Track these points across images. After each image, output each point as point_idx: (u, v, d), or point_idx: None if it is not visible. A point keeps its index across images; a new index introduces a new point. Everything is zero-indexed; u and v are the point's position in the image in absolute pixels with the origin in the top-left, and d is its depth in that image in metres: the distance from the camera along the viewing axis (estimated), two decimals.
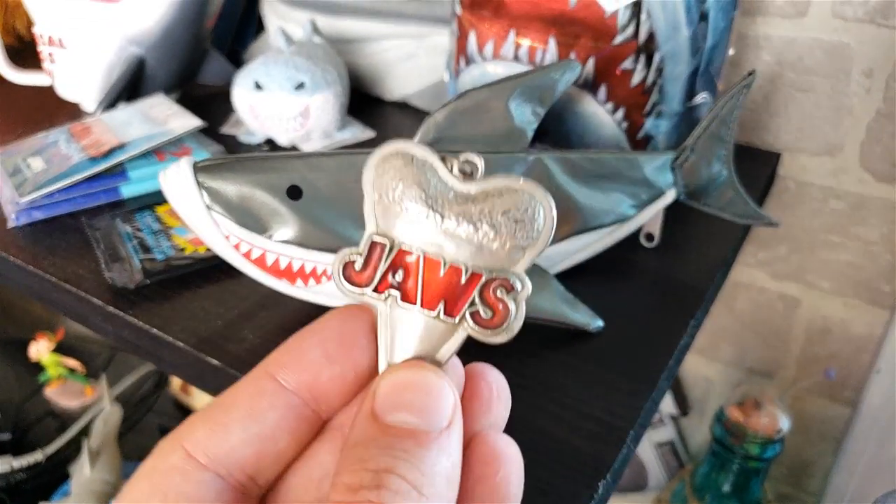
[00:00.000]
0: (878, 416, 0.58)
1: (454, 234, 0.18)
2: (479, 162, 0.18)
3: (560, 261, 0.37)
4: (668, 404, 0.72)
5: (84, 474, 0.79)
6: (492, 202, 0.18)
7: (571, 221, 0.36)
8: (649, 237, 0.41)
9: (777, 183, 0.58)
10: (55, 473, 0.85)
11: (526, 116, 0.35)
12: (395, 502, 0.15)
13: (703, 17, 0.42)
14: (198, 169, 0.29)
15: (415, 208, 0.18)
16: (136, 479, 0.17)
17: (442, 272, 0.18)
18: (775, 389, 0.62)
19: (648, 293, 0.38)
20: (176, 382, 1.01)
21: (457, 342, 0.18)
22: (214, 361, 0.32)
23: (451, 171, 0.18)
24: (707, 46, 0.43)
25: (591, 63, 0.41)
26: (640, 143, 0.44)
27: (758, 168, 0.54)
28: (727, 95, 0.38)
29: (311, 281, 0.31)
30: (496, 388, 0.19)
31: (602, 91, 0.42)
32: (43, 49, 0.55)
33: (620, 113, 0.43)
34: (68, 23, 0.53)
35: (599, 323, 0.34)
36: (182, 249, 0.38)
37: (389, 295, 0.18)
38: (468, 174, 0.18)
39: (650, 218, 0.39)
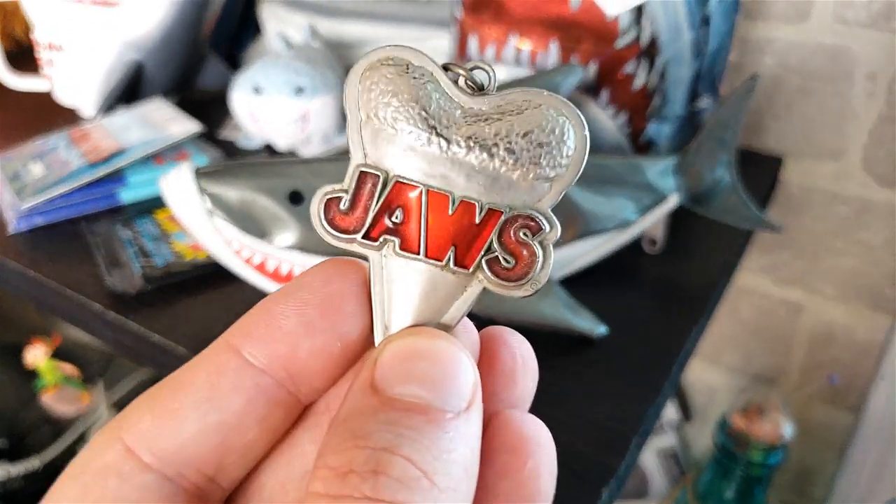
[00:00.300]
0: (881, 423, 0.58)
1: (464, 162, 0.14)
2: (491, 71, 0.14)
3: (563, 266, 0.36)
4: (670, 411, 0.72)
5: None
6: (509, 121, 0.14)
7: (574, 226, 0.35)
8: (653, 242, 0.41)
9: (780, 187, 0.58)
10: (52, 480, 0.85)
11: None
12: (398, 494, 0.11)
13: (705, 20, 0.42)
14: (199, 174, 0.29)
15: (413, 131, 0.14)
16: (63, 480, 0.14)
17: (451, 210, 0.14)
18: (779, 396, 0.62)
19: (652, 299, 0.38)
20: None
21: (470, 299, 0.14)
22: None
23: (456, 83, 0.14)
24: (709, 50, 0.43)
25: (592, 67, 0.41)
26: (643, 147, 0.44)
27: (761, 172, 0.54)
28: (730, 100, 0.38)
29: None
30: (520, 355, 0.15)
31: (604, 95, 0.42)
32: (42, 54, 0.55)
33: (623, 117, 0.42)
34: (67, 28, 0.53)
35: (603, 329, 0.33)
36: (182, 255, 0.38)
37: (385, 241, 0.14)
38: (478, 87, 0.14)
39: (653, 223, 0.38)
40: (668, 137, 0.44)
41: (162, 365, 0.35)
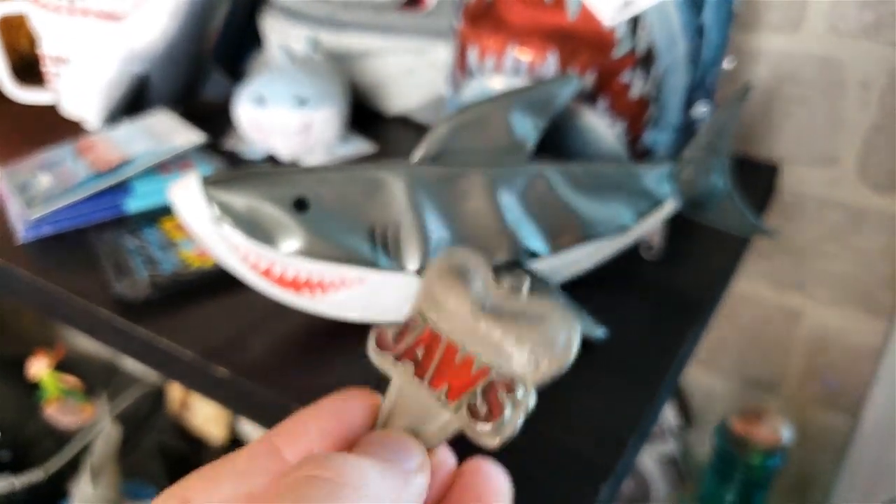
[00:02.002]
0: (879, 426, 0.58)
1: (483, 334, 0.20)
2: (526, 282, 0.20)
3: (562, 270, 0.37)
4: (670, 417, 0.72)
5: (85, 492, 0.79)
6: (526, 320, 0.19)
7: (573, 232, 0.36)
8: (650, 248, 0.41)
9: (775, 194, 0.59)
10: (56, 492, 0.85)
11: (527, 130, 0.36)
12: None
13: (700, 31, 0.43)
14: (207, 183, 0.30)
15: (456, 304, 0.20)
16: None
17: (458, 359, 0.20)
18: (777, 400, 0.62)
19: (651, 304, 0.38)
20: (175, 401, 1.01)
21: (448, 428, 0.19)
22: (222, 371, 0.32)
23: (498, 283, 0.20)
24: (704, 60, 0.44)
25: (590, 76, 0.42)
26: (640, 155, 0.45)
27: (756, 180, 0.54)
28: (723, 108, 0.39)
29: (318, 291, 0.32)
30: (494, 486, 0.19)
31: (601, 104, 0.43)
32: (48, 67, 0.56)
33: (620, 126, 0.43)
34: (73, 41, 0.54)
35: (602, 332, 0.34)
36: (188, 263, 0.38)
37: (405, 364, 0.20)
38: (514, 288, 0.20)
39: (650, 228, 0.39)
40: (664, 145, 0.45)
41: (170, 370, 0.35)
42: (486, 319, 0.20)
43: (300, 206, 0.31)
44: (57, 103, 0.58)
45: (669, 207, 0.39)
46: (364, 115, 0.60)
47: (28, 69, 0.66)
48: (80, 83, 0.55)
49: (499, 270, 0.22)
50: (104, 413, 0.90)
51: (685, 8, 0.42)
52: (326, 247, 0.31)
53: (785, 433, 0.60)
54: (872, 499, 0.59)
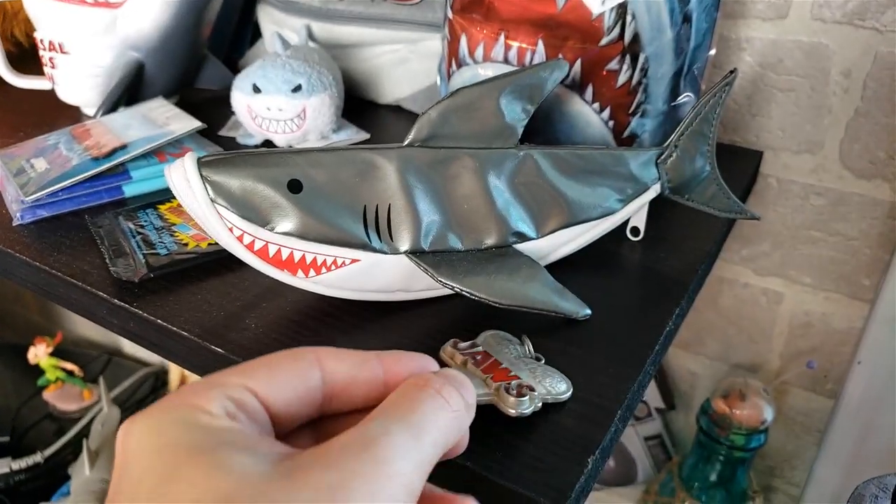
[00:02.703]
0: (859, 408, 0.60)
1: (516, 362, 0.31)
2: (543, 360, 0.32)
3: (550, 253, 0.38)
4: (655, 398, 0.74)
5: (83, 475, 0.80)
6: (542, 374, 0.30)
7: (561, 215, 0.37)
8: (635, 231, 0.43)
9: (759, 180, 0.60)
10: (54, 475, 0.86)
11: (516, 113, 0.37)
12: (442, 397, 0.21)
13: (687, 19, 0.44)
14: (202, 164, 0.31)
15: (501, 353, 0.31)
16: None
17: (500, 367, 0.30)
18: (760, 382, 0.64)
19: (634, 284, 0.39)
20: (174, 383, 1.02)
21: (484, 398, 0.28)
22: (218, 350, 0.33)
23: (528, 351, 0.32)
24: (690, 48, 0.45)
25: (578, 64, 0.43)
26: (626, 141, 0.46)
27: (741, 166, 0.56)
28: (709, 94, 0.40)
29: (312, 271, 0.33)
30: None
31: (589, 91, 0.44)
32: (44, 54, 0.56)
33: (606, 112, 0.44)
34: (69, 28, 0.54)
35: (587, 311, 0.35)
36: (185, 244, 0.39)
37: (467, 359, 0.31)
38: (538, 357, 0.32)
39: (635, 212, 0.40)
40: (650, 132, 0.46)
41: (166, 351, 0.36)
42: (519, 362, 0.31)
43: (294, 187, 0.31)
44: (53, 89, 0.58)
45: (655, 191, 0.40)
46: (357, 103, 0.61)
47: (23, 57, 0.67)
48: (77, 70, 0.56)
49: (524, 342, 0.32)
50: (103, 397, 0.91)
51: None
52: (320, 227, 0.32)
53: (767, 413, 0.61)
54: (852, 479, 0.60)
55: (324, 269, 0.33)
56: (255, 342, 0.33)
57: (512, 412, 0.28)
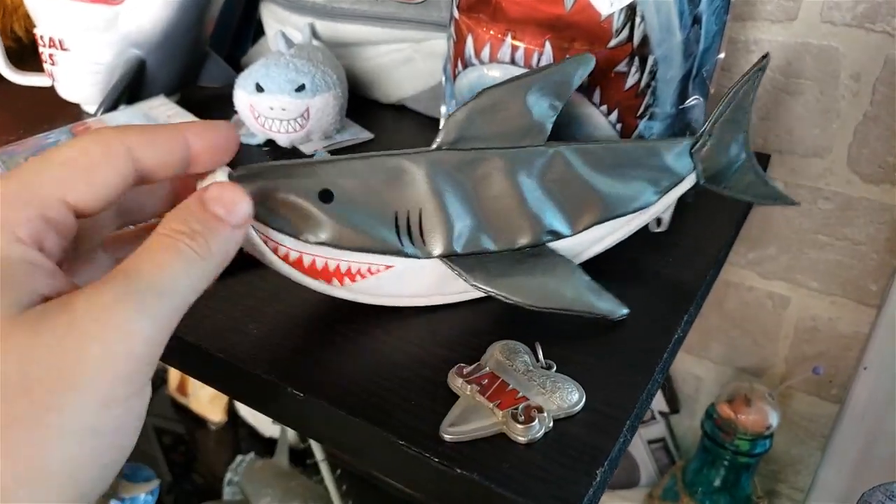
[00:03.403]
0: (864, 413, 0.60)
1: (524, 382, 0.30)
2: (554, 366, 0.32)
3: (583, 250, 0.38)
4: (659, 402, 0.73)
5: None
6: (552, 386, 0.30)
7: (594, 211, 0.37)
8: (658, 222, 0.42)
9: None
10: None
11: (544, 111, 0.36)
12: (190, 248, 0.22)
13: (696, 21, 0.43)
14: (233, 178, 0.29)
15: (511, 365, 0.31)
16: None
17: (508, 389, 0.30)
18: (765, 386, 0.63)
19: (642, 290, 0.39)
20: (172, 383, 1.02)
21: (494, 427, 0.29)
22: (219, 356, 0.32)
23: (537, 358, 0.32)
24: (699, 51, 0.44)
25: None
26: None
27: None
28: (742, 80, 0.39)
29: (347, 280, 0.32)
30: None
31: (597, 93, 0.43)
32: (43, 51, 0.56)
33: (615, 115, 0.44)
34: (69, 24, 0.53)
35: (625, 311, 0.35)
36: None
37: (472, 385, 0.30)
38: (549, 365, 0.32)
39: (671, 204, 0.40)
40: (658, 134, 0.45)
41: (166, 354, 0.36)
42: (528, 376, 0.30)
43: (325, 197, 0.31)
44: (53, 86, 0.58)
45: (690, 182, 0.39)
46: (361, 102, 0.61)
47: (22, 53, 0.66)
48: (77, 67, 0.55)
49: (535, 352, 0.32)
50: None
51: None
52: (353, 236, 0.32)
53: (772, 418, 0.61)
54: (857, 485, 0.60)
55: (359, 277, 0.32)
56: (256, 347, 0.33)
57: (522, 440, 0.28)
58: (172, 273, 0.22)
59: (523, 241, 0.35)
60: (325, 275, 0.32)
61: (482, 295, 0.34)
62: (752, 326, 0.66)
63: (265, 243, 0.31)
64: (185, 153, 0.25)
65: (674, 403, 0.74)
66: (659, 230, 0.42)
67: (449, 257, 0.33)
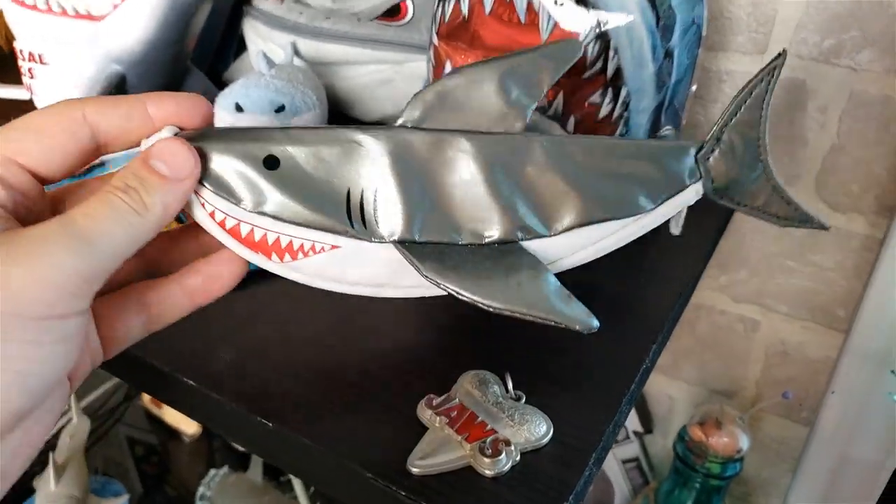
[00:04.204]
0: (833, 438, 0.61)
1: (495, 414, 0.31)
2: (523, 398, 0.33)
3: (566, 256, 0.34)
4: (633, 421, 0.74)
5: (49, 489, 0.78)
6: (521, 419, 0.31)
7: (576, 211, 0.32)
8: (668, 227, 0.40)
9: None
10: (20, 488, 0.84)
11: (522, 96, 0.32)
12: (124, 202, 0.24)
13: (668, 55, 0.44)
14: (178, 136, 0.27)
15: (480, 397, 0.32)
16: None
17: (476, 422, 0.31)
18: (736, 409, 0.64)
19: (612, 317, 0.38)
20: (146, 395, 1.01)
21: (461, 460, 0.29)
22: (190, 382, 0.32)
23: (507, 389, 0.33)
24: (671, 83, 0.45)
25: (560, 95, 0.43)
26: None
27: None
28: (756, 79, 0.34)
29: (288, 256, 0.30)
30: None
31: (571, 122, 0.44)
32: (23, 64, 0.55)
33: None
34: (49, 39, 0.53)
35: (595, 323, 0.30)
36: None
37: (441, 418, 0.31)
38: (518, 396, 0.32)
39: (671, 214, 0.35)
40: None
41: (139, 380, 0.36)
42: (498, 407, 0.31)
43: (270, 163, 0.28)
44: (33, 100, 0.57)
45: (696, 192, 0.34)
46: (341, 121, 0.61)
47: (3, 63, 0.66)
48: (58, 82, 0.55)
49: (505, 383, 0.33)
50: (72, 406, 0.89)
51: (654, 32, 0.43)
52: (296, 208, 0.29)
53: (742, 441, 0.62)
54: None
55: (300, 255, 0.30)
56: (227, 374, 0.33)
57: (488, 473, 0.28)
58: (103, 224, 0.23)
59: (493, 234, 0.31)
60: (264, 248, 0.29)
61: (442, 293, 0.31)
62: (724, 349, 0.67)
63: (203, 206, 0.28)
64: (144, 120, 0.26)
65: (647, 423, 0.74)
66: (676, 234, 0.41)
67: (405, 243, 0.30)
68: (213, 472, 0.92)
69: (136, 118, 0.26)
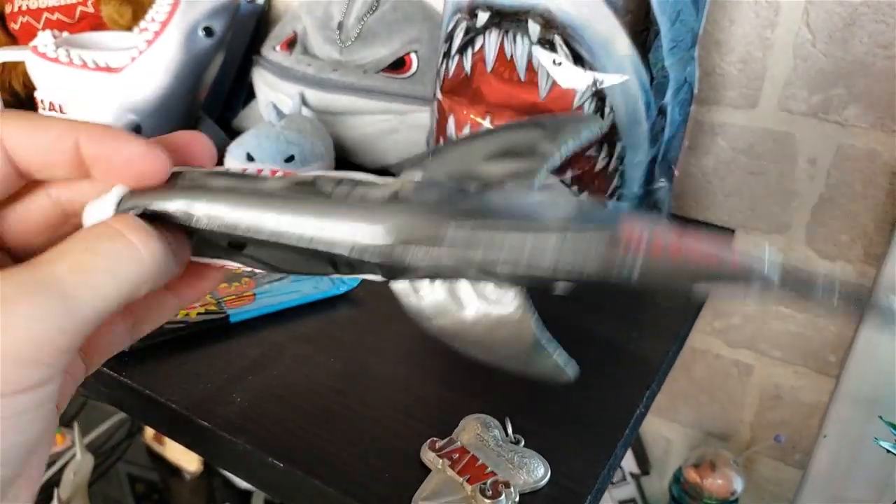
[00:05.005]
0: (826, 481, 0.62)
1: (496, 458, 0.32)
2: (522, 441, 0.34)
3: None
4: (630, 463, 0.75)
5: None
6: (520, 462, 0.32)
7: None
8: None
9: None
10: None
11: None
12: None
13: (662, 111, 0.47)
14: (122, 210, 0.23)
15: (482, 439, 0.34)
16: None
17: (477, 464, 0.32)
18: (730, 452, 0.65)
19: (605, 363, 0.41)
20: (150, 430, 1.01)
21: (463, 501, 0.31)
22: (205, 424, 0.34)
23: (507, 433, 0.34)
24: (665, 138, 0.48)
25: None
26: None
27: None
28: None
29: None
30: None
31: (569, 174, 0.46)
32: (43, 114, 0.58)
33: (585, 195, 0.47)
34: (69, 90, 0.56)
35: (574, 371, 0.24)
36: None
37: (444, 460, 0.32)
38: (517, 439, 0.34)
39: None
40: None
41: (154, 421, 0.37)
42: (498, 450, 0.33)
43: (236, 246, 0.24)
44: None
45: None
46: (349, 168, 0.63)
47: (21, 107, 0.68)
48: None
49: (505, 427, 0.34)
50: (77, 443, 0.90)
51: (648, 90, 0.45)
52: (273, 271, 0.25)
53: (737, 484, 0.63)
54: None
55: None
56: (240, 416, 0.34)
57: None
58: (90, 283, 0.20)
59: None
60: None
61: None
62: (719, 393, 0.68)
63: None
64: (73, 155, 0.21)
65: (644, 464, 0.75)
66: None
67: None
68: None
69: (65, 151, 0.21)
